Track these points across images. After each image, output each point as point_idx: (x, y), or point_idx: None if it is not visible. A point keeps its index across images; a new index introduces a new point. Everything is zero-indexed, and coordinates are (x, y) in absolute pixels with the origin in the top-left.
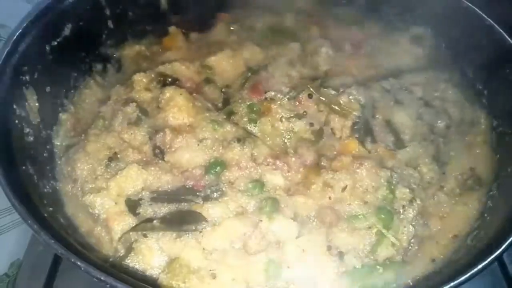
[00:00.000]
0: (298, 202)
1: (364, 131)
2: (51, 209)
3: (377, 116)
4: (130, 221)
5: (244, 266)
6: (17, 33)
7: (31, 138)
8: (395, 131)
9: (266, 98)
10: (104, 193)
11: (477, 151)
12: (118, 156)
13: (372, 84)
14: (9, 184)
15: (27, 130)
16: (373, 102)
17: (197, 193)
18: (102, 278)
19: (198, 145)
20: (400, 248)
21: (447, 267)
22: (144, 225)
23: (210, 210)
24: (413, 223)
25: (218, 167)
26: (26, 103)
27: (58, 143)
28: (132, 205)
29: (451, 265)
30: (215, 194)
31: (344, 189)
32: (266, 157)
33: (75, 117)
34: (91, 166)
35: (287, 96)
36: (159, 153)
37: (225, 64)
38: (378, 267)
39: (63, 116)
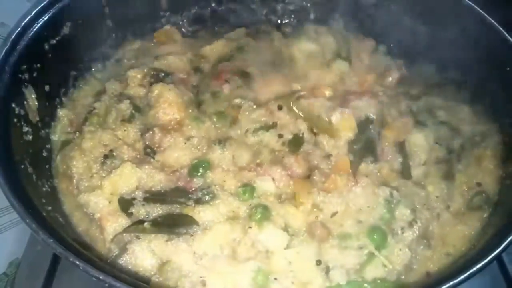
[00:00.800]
0: (289, 213)
1: (365, 149)
2: (49, 208)
3: (386, 134)
4: (123, 221)
5: (233, 274)
6: (16, 32)
7: (30, 137)
8: (405, 153)
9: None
10: (98, 192)
11: (486, 165)
12: (114, 153)
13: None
14: (8, 183)
15: (26, 129)
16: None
17: (189, 195)
18: (100, 277)
19: (185, 143)
20: (394, 270)
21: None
22: (136, 227)
23: (202, 214)
24: (412, 247)
25: (202, 168)
26: (25, 102)
27: (56, 139)
28: (125, 204)
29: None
30: (207, 197)
31: (333, 214)
32: (249, 163)
33: (73, 113)
34: (87, 164)
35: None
36: (150, 151)
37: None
38: (365, 285)
39: (60, 112)
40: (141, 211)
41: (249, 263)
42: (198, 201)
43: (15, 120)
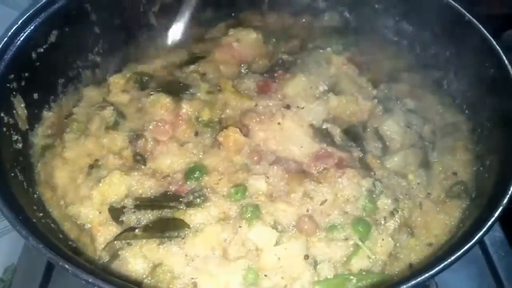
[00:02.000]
0: (279, 210)
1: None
2: (40, 214)
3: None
4: (114, 230)
5: (225, 274)
6: (3, 42)
7: (20, 145)
8: (383, 139)
9: None
10: (87, 203)
11: (459, 155)
12: (99, 163)
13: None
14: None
15: (16, 137)
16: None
17: (180, 199)
18: (90, 280)
19: (179, 149)
20: (378, 260)
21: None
22: (127, 234)
23: (193, 216)
24: (395, 236)
25: (198, 172)
26: (14, 111)
27: (36, 142)
28: (116, 213)
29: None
30: (198, 200)
31: (323, 202)
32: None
33: (57, 115)
34: (71, 175)
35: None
36: (140, 159)
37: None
38: (351, 277)
39: (45, 114)
40: (132, 218)
41: (239, 262)
42: (189, 204)
43: (5, 129)
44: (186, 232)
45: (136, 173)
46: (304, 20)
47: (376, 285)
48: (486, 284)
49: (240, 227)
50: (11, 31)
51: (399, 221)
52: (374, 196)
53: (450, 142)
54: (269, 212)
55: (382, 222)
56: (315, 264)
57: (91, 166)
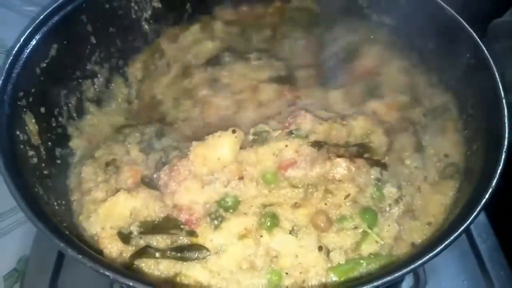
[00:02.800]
0: (298, 214)
1: None
2: (65, 224)
3: None
4: (121, 245)
5: (251, 280)
6: (9, 61)
7: (35, 160)
8: None
9: None
10: (93, 219)
11: (450, 136)
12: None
13: None
14: (32, 209)
15: (31, 153)
16: None
17: (181, 226)
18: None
19: (203, 187)
20: (385, 244)
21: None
22: (143, 252)
23: (214, 240)
24: (399, 221)
25: (229, 205)
26: (27, 127)
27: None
28: (125, 238)
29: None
30: (216, 222)
31: (347, 197)
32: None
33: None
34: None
35: None
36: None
37: None
38: (362, 261)
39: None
40: (140, 242)
41: (265, 268)
42: (191, 234)
43: (22, 146)
44: (207, 254)
45: (142, 195)
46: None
47: (384, 267)
48: (470, 264)
49: (261, 236)
50: (15, 49)
51: (403, 208)
52: (380, 184)
53: (440, 123)
54: (287, 219)
55: (387, 209)
56: (328, 252)
57: (108, 164)
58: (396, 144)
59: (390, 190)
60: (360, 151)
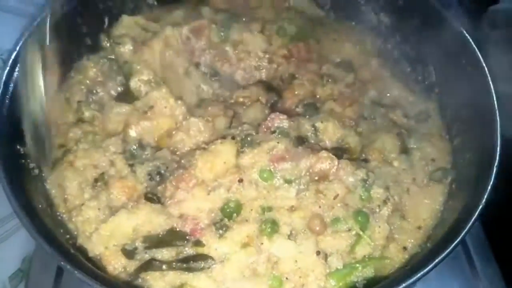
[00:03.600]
0: (295, 217)
1: None
2: (67, 236)
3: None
4: (124, 261)
5: (253, 287)
6: (5, 73)
7: (36, 172)
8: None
9: None
10: (95, 240)
11: (435, 142)
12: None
13: None
14: (34, 225)
15: (32, 165)
16: None
17: (187, 237)
18: None
19: (208, 194)
20: (378, 245)
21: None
22: (148, 266)
23: (218, 249)
24: (390, 221)
25: (232, 209)
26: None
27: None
28: (129, 254)
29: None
30: (220, 231)
31: (335, 197)
32: None
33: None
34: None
35: None
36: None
37: None
38: (357, 265)
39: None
40: (145, 256)
41: (266, 274)
42: (197, 244)
43: (23, 160)
44: (212, 263)
45: (144, 212)
46: None
47: (378, 270)
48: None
49: (262, 243)
50: (11, 59)
51: (391, 208)
52: (367, 185)
53: (424, 129)
54: (286, 223)
55: (377, 210)
56: (326, 257)
57: (96, 180)
58: (378, 143)
59: (377, 191)
60: (339, 154)
